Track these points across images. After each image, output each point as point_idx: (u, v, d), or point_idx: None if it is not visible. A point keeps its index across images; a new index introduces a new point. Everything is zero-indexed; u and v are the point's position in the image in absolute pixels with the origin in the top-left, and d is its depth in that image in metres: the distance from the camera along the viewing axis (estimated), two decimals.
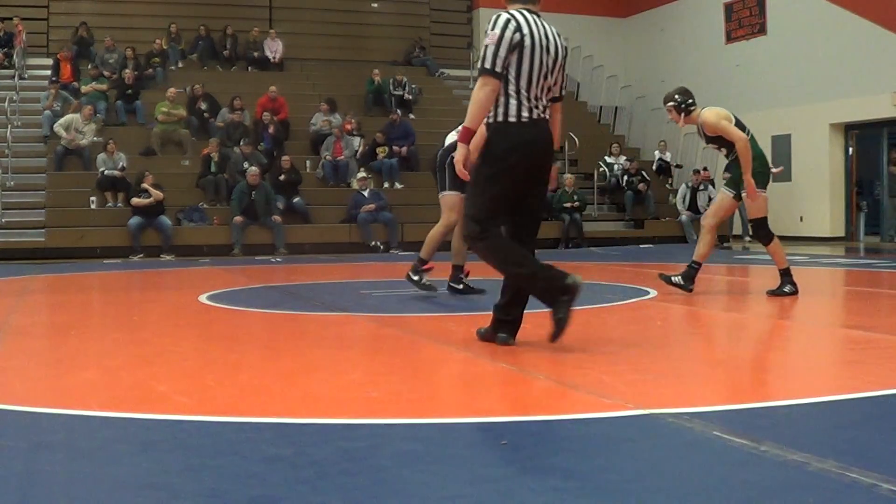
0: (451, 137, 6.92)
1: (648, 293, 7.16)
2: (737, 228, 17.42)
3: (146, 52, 18.88)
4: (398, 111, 17.89)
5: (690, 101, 6.92)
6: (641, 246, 16.14)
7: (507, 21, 4.24)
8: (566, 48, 4.45)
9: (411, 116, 18.34)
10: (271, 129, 16.73)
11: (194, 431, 2.94)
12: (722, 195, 7.15)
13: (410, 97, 19.23)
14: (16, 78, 17.91)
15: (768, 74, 18.63)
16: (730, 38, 19.97)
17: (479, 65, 4.31)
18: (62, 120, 15.89)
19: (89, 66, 18.13)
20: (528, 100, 4.27)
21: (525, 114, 4.26)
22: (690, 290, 6.97)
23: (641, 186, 17.66)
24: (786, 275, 6.93)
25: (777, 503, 2.17)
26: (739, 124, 6.88)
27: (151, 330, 5.72)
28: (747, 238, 17.02)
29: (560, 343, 4.18)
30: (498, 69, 4.21)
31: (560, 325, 4.15)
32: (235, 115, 16.84)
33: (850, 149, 17.85)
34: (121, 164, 15.23)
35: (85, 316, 6.86)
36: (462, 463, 2.51)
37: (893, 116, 16.45)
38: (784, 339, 5.40)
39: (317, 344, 4.93)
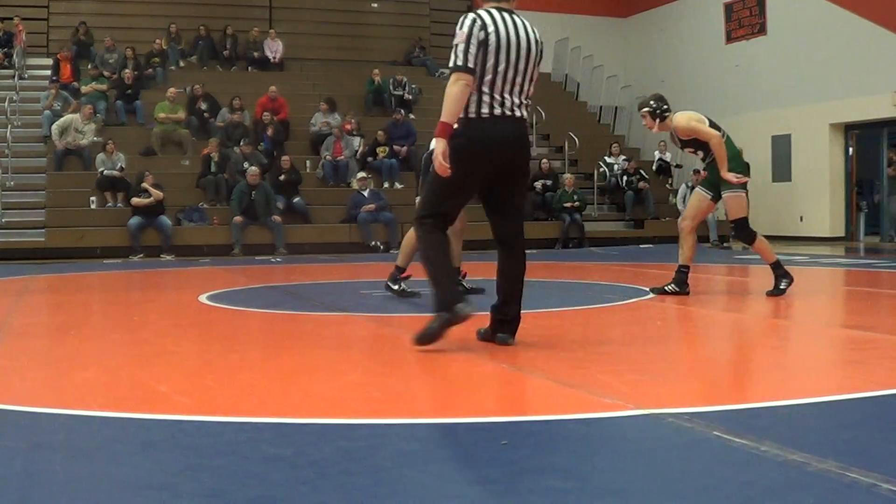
0: None
1: (648, 293, 7.15)
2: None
3: (146, 52, 18.88)
4: (401, 111, 17.88)
5: (665, 106, 6.93)
6: (641, 246, 16.15)
7: (473, 20, 4.33)
8: (541, 45, 4.48)
9: (411, 116, 18.34)
10: (270, 132, 16.72)
11: (194, 431, 2.94)
12: (699, 197, 7.13)
13: (410, 97, 19.23)
14: (16, 78, 17.91)
15: (768, 74, 18.64)
16: (730, 38, 19.97)
17: (449, 64, 4.38)
18: (59, 121, 15.87)
19: (89, 66, 18.13)
20: (492, 97, 4.32)
21: (485, 110, 4.32)
22: (687, 293, 6.98)
23: (642, 185, 17.67)
24: (777, 268, 6.92)
25: (777, 503, 2.17)
26: (713, 125, 6.91)
27: (151, 330, 5.72)
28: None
29: (560, 343, 4.18)
30: (470, 64, 4.29)
31: (428, 331, 4.32)
32: (236, 116, 16.85)
33: (850, 149, 17.85)
34: (119, 164, 15.23)
35: (85, 316, 6.86)
36: (462, 463, 2.51)
37: (893, 116, 16.46)
38: (784, 339, 5.40)
39: (317, 344, 4.93)
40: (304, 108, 18.08)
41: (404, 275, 7.07)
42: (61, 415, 3.15)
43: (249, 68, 20.05)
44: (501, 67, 4.31)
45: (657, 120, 6.91)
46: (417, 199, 5.20)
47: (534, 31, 4.46)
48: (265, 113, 16.99)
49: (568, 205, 16.49)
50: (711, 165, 6.95)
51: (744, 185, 6.97)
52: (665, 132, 7.16)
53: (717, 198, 7.02)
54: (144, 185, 14.45)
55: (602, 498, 2.22)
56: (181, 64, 19.59)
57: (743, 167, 7.09)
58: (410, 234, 6.88)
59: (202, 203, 15.43)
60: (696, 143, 6.94)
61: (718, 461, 2.49)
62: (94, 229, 14.57)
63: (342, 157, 16.74)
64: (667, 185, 18.88)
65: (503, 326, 4.49)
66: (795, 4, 18.22)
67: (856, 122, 17.38)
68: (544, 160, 17.72)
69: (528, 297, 7.06)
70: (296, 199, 15.63)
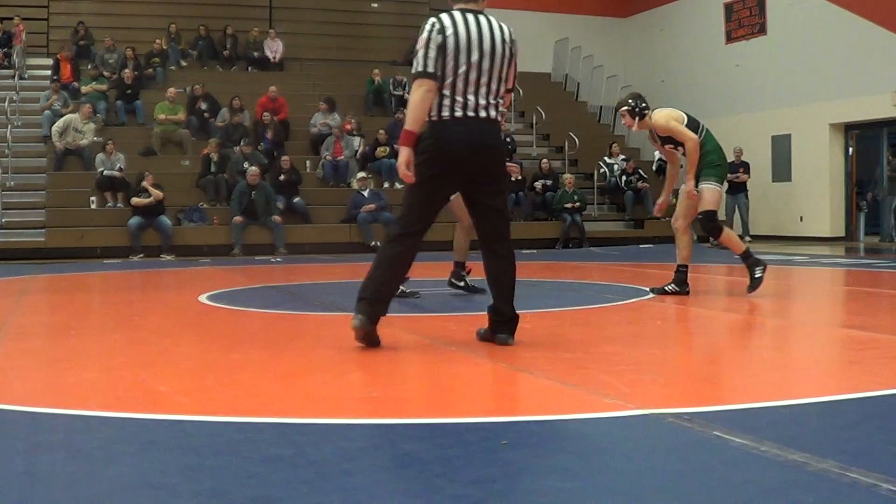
0: None
1: (648, 293, 7.15)
2: (736, 228, 17.43)
3: (146, 52, 18.89)
4: (403, 110, 17.87)
5: (644, 105, 6.92)
6: (641, 246, 16.15)
7: (433, 24, 4.37)
8: (511, 43, 4.45)
9: None
10: (269, 134, 16.71)
11: (194, 431, 2.94)
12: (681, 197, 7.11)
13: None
14: (16, 78, 17.92)
15: (768, 74, 18.64)
16: (730, 38, 19.97)
17: (412, 70, 4.41)
18: (59, 122, 15.88)
19: (89, 66, 18.14)
20: (454, 99, 4.33)
21: (446, 113, 4.34)
22: (687, 293, 6.97)
23: (641, 185, 17.68)
24: (747, 258, 6.86)
25: (777, 503, 2.17)
26: (693, 121, 6.91)
27: (151, 330, 5.72)
28: (748, 238, 17.03)
29: (560, 343, 4.19)
30: (430, 69, 4.32)
31: (355, 325, 4.32)
32: (236, 118, 16.85)
33: (850, 149, 17.86)
34: (118, 165, 15.23)
35: (85, 316, 6.86)
36: (462, 463, 2.51)
37: (893, 116, 16.46)
38: (784, 339, 5.40)
39: (317, 344, 4.93)
40: (304, 108, 18.08)
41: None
42: (61, 415, 3.15)
43: (249, 68, 20.06)
44: (462, 69, 4.32)
45: (636, 118, 6.91)
46: None
47: (502, 30, 4.44)
48: (265, 113, 16.99)
49: (568, 205, 16.49)
50: (699, 157, 6.92)
51: (720, 180, 6.94)
52: (645, 130, 7.15)
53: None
54: (144, 184, 14.45)
55: (602, 498, 2.22)
56: (181, 64, 19.60)
57: (723, 160, 7.04)
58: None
59: (202, 203, 15.43)
60: (674, 140, 6.94)
61: (718, 461, 2.49)
62: (94, 229, 14.57)
63: (342, 157, 16.74)
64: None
65: (501, 327, 4.49)
66: (795, 4, 18.22)
67: (856, 122, 17.39)
68: (544, 160, 17.73)
69: (528, 297, 7.07)
70: (296, 199, 15.63)
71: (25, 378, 3.95)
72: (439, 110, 4.35)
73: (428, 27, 4.36)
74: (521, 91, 19.93)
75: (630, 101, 6.95)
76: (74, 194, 15.17)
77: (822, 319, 6.25)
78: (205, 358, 4.53)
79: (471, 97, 4.34)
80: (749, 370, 4.11)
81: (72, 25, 19.39)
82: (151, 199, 14.42)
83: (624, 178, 17.90)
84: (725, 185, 7.06)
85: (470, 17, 4.40)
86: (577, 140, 18.73)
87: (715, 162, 6.90)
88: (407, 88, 19.23)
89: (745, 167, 17.17)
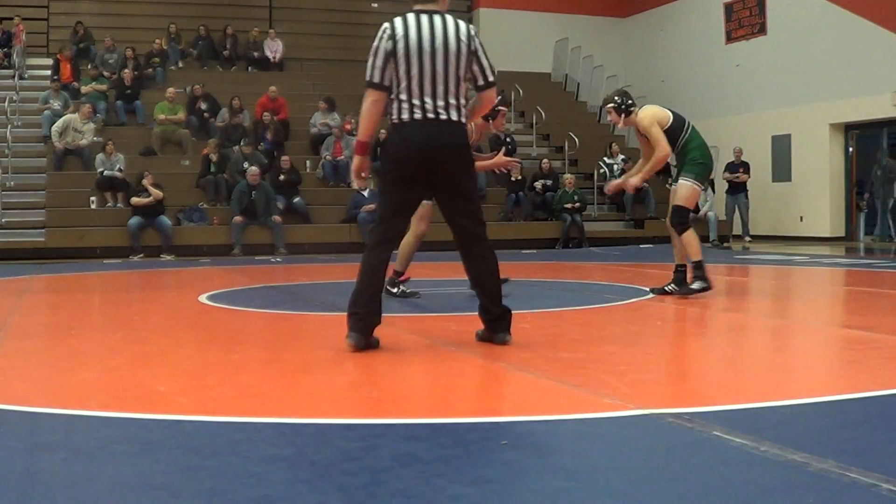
0: None
1: (648, 293, 7.15)
2: (737, 228, 17.44)
3: (146, 52, 18.89)
4: None
5: (631, 102, 6.91)
6: (641, 246, 16.14)
7: (384, 30, 4.43)
8: (469, 40, 4.40)
9: None
10: (269, 134, 16.70)
11: (194, 431, 2.94)
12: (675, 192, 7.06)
13: None
14: (16, 78, 17.92)
15: (768, 74, 18.64)
16: (730, 38, 19.98)
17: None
18: (58, 122, 15.88)
19: (89, 66, 18.14)
20: (411, 102, 4.34)
21: (405, 116, 4.35)
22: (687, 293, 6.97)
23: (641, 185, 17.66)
24: (699, 268, 6.78)
25: (777, 503, 2.17)
26: (679, 119, 6.87)
27: (151, 330, 5.72)
28: (747, 238, 17.03)
29: (560, 343, 4.19)
30: (376, 80, 4.38)
31: (351, 343, 4.33)
32: (236, 118, 16.85)
33: (850, 149, 17.86)
34: (118, 166, 15.23)
35: (85, 316, 6.86)
36: (462, 463, 2.51)
37: (893, 116, 16.46)
38: (784, 339, 5.40)
39: (317, 344, 4.93)
40: (304, 108, 18.07)
41: (402, 278, 7.09)
42: (61, 415, 3.15)
43: (249, 68, 20.06)
44: (415, 72, 4.32)
45: (622, 115, 6.90)
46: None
47: (458, 28, 4.40)
48: (265, 113, 16.99)
49: (569, 205, 16.49)
50: (681, 156, 6.90)
51: (702, 180, 6.90)
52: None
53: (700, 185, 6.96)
54: (144, 182, 14.44)
55: (602, 498, 2.22)
56: (181, 64, 19.60)
57: (707, 159, 6.94)
58: (407, 239, 6.89)
59: (202, 203, 15.43)
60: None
61: (718, 461, 2.49)
62: (94, 229, 14.58)
63: (342, 157, 16.74)
64: (667, 185, 18.82)
65: (493, 325, 4.51)
66: (795, 4, 18.22)
67: (856, 122, 17.39)
68: (544, 160, 17.72)
69: (528, 297, 7.08)
70: (296, 199, 15.63)
71: (25, 378, 3.95)
72: (399, 114, 4.37)
73: (380, 33, 4.41)
74: (521, 91, 19.97)
75: (616, 97, 6.94)
76: (74, 194, 15.17)
77: (822, 319, 6.24)
78: (205, 358, 4.53)
79: (427, 99, 4.33)
80: (749, 370, 4.10)
81: (72, 25, 19.39)
82: (151, 198, 14.42)
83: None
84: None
85: (424, 18, 4.40)
86: (577, 140, 18.72)
87: (697, 160, 6.85)
88: None
89: (745, 167, 17.17)
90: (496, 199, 17.05)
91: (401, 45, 4.34)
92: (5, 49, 18.71)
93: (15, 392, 3.61)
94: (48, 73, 18.16)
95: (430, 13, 4.43)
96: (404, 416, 3.17)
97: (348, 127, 17.31)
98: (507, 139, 16.85)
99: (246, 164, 15.37)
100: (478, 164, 7.08)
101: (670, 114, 6.90)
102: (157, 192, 14.46)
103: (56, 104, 16.67)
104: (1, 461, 2.59)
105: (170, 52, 19.39)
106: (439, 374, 4.02)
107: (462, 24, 4.46)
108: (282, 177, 15.67)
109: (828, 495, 2.18)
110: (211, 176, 15.54)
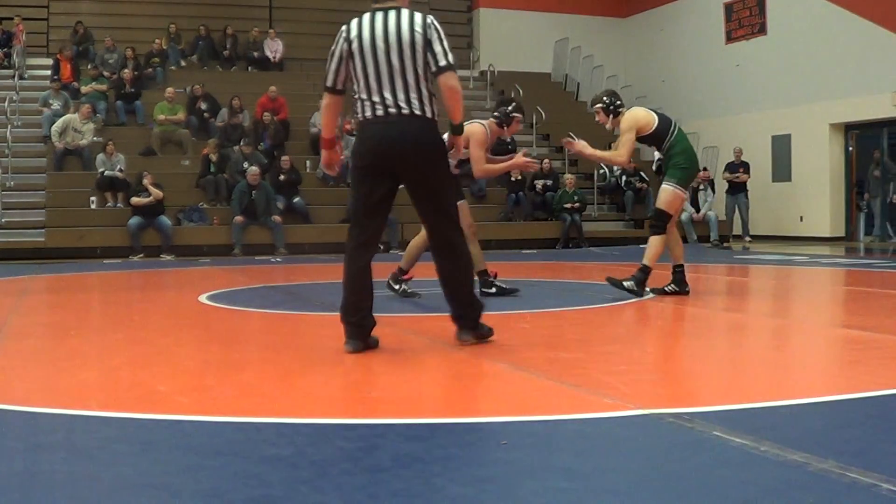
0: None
1: (648, 293, 7.15)
2: (737, 228, 17.44)
3: (146, 52, 18.88)
4: None
5: (619, 102, 6.91)
6: (641, 246, 16.03)
7: (340, 33, 4.46)
8: (424, 29, 4.31)
9: None
10: (268, 136, 16.69)
11: (194, 431, 2.94)
12: (666, 192, 7.01)
13: None
14: (16, 78, 17.91)
15: (768, 74, 18.63)
16: (730, 38, 19.97)
17: None
18: (58, 122, 15.87)
19: (89, 66, 18.13)
20: (372, 100, 4.36)
21: (368, 113, 4.38)
22: (687, 293, 6.97)
23: (641, 185, 17.68)
24: (645, 273, 6.81)
25: (777, 503, 2.17)
26: (665, 120, 6.86)
27: (151, 330, 5.72)
28: (747, 238, 17.03)
29: (560, 343, 4.19)
30: (328, 83, 4.47)
31: (350, 350, 4.38)
32: (236, 119, 16.84)
33: (850, 149, 17.85)
34: (118, 166, 15.23)
35: (85, 316, 6.86)
36: (462, 463, 2.51)
37: (893, 116, 16.45)
38: (784, 339, 5.40)
39: (317, 344, 4.93)
40: (304, 108, 18.06)
41: (406, 276, 7.08)
42: (61, 415, 3.15)
43: (249, 68, 20.05)
44: (370, 69, 4.33)
45: (610, 116, 6.91)
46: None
47: (412, 20, 4.33)
48: (265, 113, 16.99)
49: (569, 205, 16.49)
50: (666, 160, 6.90)
51: (685, 185, 6.89)
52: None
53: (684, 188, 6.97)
54: (145, 182, 14.45)
55: (602, 498, 2.22)
56: (181, 64, 19.59)
57: (691, 164, 6.92)
58: (416, 239, 6.90)
59: (202, 203, 15.43)
60: (648, 139, 6.95)
61: (718, 461, 2.49)
62: (94, 229, 14.58)
63: (342, 157, 16.73)
64: None
65: (456, 322, 4.54)
66: (795, 4, 18.22)
67: (856, 122, 17.38)
68: (545, 160, 17.72)
69: (528, 297, 7.07)
70: (296, 199, 15.63)
71: (25, 378, 3.95)
72: (362, 112, 4.40)
73: (337, 36, 4.44)
74: (521, 91, 19.95)
75: (605, 98, 6.95)
76: (74, 194, 15.17)
77: (822, 319, 6.24)
78: (204, 358, 4.53)
79: (387, 95, 4.33)
80: (749, 370, 4.10)
81: (72, 25, 19.39)
82: (151, 198, 14.42)
83: (624, 178, 17.90)
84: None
85: (379, 15, 4.38)
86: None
87: (681, 164, 6.83)
88: None
89: (745, 167, 17.17)
90: (496, 199, 17.05)
91: (355, 45, 4.36)
92: (5, 49, 18.71)
93: (15, 392, 3.61)
94: (48, 73, 18.15)
95: (386, 10, 4.40)
96: (404, 416, 3.17)
97: (348, 127, 17.30)
98: (508, 140, 16.84)
99: (246, 164, 15.37)
100: (495, 166, 7.09)
101: (656, 117, 6.88)
102: (157, 192, 14.46)
103: (56, 104, 16.67)
104: (1, 461, 2.59)
105: (170, 52, 19.38)
106: (439, 374, 4.02)
107: (417, 16, 4.37)
108: (282, 177, 15.67)
109: (828, 495, 2.18)
110: (211, 176, 15.53)
